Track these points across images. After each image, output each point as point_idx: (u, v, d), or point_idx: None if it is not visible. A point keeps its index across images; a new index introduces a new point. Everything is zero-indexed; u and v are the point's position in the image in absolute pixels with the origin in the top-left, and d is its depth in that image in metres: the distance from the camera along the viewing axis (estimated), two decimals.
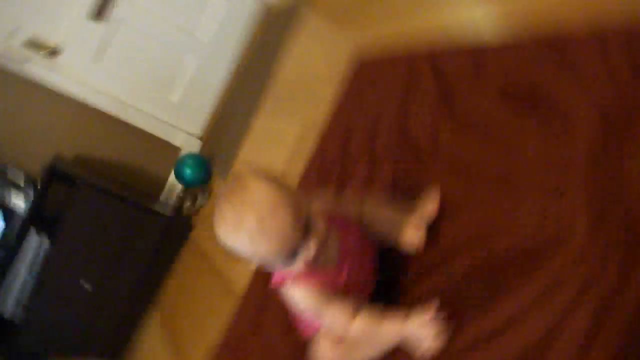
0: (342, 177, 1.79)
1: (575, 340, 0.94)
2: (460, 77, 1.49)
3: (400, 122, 1.64)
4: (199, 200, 3.01)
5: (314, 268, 1.20)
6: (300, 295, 1.24)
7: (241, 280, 2.09)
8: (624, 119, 1.03)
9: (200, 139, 3.58)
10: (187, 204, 3.11)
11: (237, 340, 1.93)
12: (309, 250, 1.14)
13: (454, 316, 1.17)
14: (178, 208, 3.26)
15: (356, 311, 1.23)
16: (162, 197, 3.48)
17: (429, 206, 1.34)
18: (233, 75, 3.59)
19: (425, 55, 1.68)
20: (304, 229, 1.13)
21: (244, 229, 1.10)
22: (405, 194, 1.45)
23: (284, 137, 2.41)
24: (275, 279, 1.27)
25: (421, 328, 1.17)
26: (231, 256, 1.33)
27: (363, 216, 1.37)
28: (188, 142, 3.54)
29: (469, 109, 1.41)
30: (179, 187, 3.35)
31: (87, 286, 2.76)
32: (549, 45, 1.26)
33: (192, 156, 3.11)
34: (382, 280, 1.38)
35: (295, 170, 2.13)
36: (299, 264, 1.16)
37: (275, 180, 1.16)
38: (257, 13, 3.60)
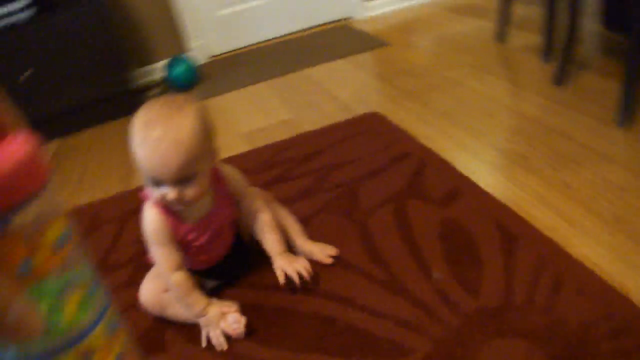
0: (280, 177, 1.88)
1: None
2: (431, 186, 1.62)
3: (359, 178, 1.75)
4: None
5: (171, 212, 1.26)
6: (149, 218, 1.26)
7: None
8: (518, 314, 1.14)
9: (210, 59, 3.63)
10: (154, 92, 3.14)
11: (100, 214, 1.96)
12: (168, 197, 1.18)
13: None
14: (143, 88, 3.29)
15: (181, 268, 1.28)
16: (140, 70, 3.49)
17: (319, 255, 1.43)
18: (278, 40, 3.67)
19: (421, 149, 1.83)
20: (185, 177, 1.17)
21: (150, 133, 1.13)
22: (311, 231, 1.52)
23: (270, 113, 2.49)
24: (144, 192, 1.29)
25: (213, 322, 1.26)
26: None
27: (252, 214, 1.41)
28: (199, 51, 3.58)
29: (413, 216, 1.52)
30: (160, 74, 3.38)
31: (22, 76, 2.73)
32: (509, 219, 1.40)
33: (192, 64, 3.14)
34: (230, 263, 1.44)
35: (253, 143, 2.22)
36: (155, 195, 1.20)
37: (208, 126, 1.21)
38: (340, 18, 3.75)
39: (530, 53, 2.45)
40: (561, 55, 2.07)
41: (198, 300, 1.28)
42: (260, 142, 2.19)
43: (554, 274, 1.21)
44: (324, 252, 1.43)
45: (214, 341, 1.26)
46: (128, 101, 2.89)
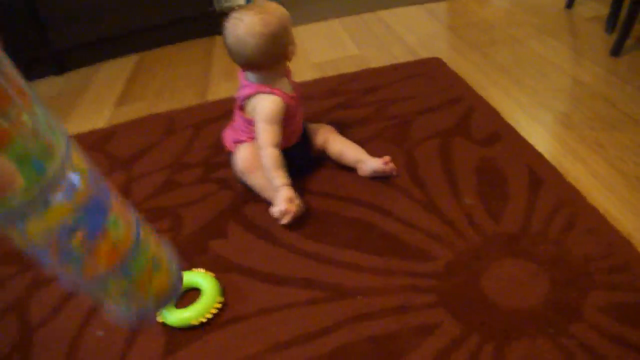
0: (342, 105, 2.07)
1: None
2: (476, 128, 1.80)
3: (413, 113, 1.93)
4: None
5: (282, 92, 1.55)
6: (273, 100, 1.54)
7: (218, 94, 2.37)
8: (531, 242, 1.33)
9: None
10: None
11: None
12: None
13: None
14: (224, 12, 3.46)
15: (280, 145, 1.53)
16: None
17: (382, 166, 1.61)
18: None
19: (473, 95, 2.00)
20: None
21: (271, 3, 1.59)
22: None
23: (340, 47, 2.69)
24: (259, 87, 1.55)
25: (282, 199, 1.48)
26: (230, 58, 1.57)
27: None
28: None
29: (455, 151, 1.71)
30: (241, 1, 3.54)
31: None
32: (540, 164, 1.57)
33: None
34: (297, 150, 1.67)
35: (322, 72, 2.42)
36: (279, 65, 1.57)
37: None
38: None
39: (596, 23, 2.54)
40: (621, 28, 2.18)
41: (281, 175, 1.51)
42: (328, 73, 2.39)
43: (569, 214, 1.39)
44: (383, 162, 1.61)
45: (275, 210, 1.49)
46: (209, 23, 3.08)
